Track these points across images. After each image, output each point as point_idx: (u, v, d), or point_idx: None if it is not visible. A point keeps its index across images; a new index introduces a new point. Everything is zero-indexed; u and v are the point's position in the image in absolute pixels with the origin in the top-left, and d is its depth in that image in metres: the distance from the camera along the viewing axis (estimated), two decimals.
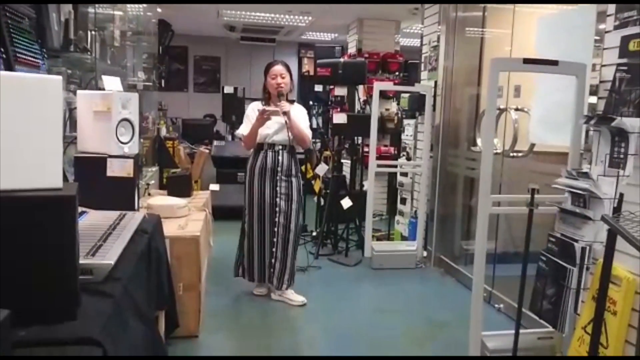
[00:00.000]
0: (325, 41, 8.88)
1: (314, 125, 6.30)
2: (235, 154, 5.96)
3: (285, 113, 3.29)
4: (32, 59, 2.15)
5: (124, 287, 1.51)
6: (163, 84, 7.26)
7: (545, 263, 2.42)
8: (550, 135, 3.05)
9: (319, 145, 6.09)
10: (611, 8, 2.35)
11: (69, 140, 2.45)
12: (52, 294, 1.22)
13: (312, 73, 8.15)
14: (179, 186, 3.61)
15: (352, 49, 6.97)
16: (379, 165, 4.62)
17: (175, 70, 9.31)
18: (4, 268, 1.16)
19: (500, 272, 3.63)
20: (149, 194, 3.62)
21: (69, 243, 1.23)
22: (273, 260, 3.47)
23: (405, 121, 5.15)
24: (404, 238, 5.03)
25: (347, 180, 5.08)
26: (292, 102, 3.51)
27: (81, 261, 1.34)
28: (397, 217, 5.24)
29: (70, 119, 2.60)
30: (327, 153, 5.33)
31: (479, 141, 3.76)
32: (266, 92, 3.51)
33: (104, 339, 1.17)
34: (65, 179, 1.60)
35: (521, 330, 2.44)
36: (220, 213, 4.67)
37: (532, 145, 3.32)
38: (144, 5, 4.86)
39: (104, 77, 2.56)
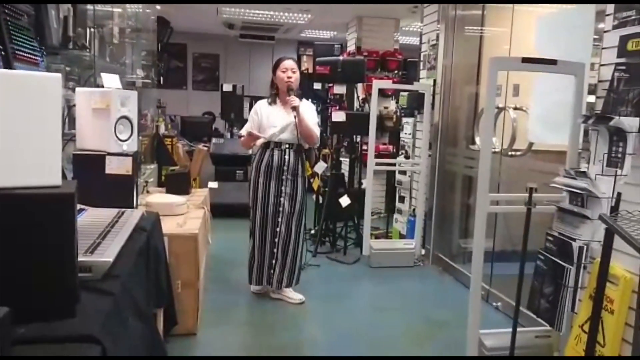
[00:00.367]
0: (324, 39, 8.87)
1: None
2: (233, 151, 5.97)
3: (295, 108, 3.27)
4: (31, 56, 2.15)
5: (122, 284, 1.51)
6: (162, 82, 7.25)
7: (543, 262, 2.43)
8: (548, 134, 3.05)
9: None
10: (610, 8, 2.35)
11: (68, 138, 2.45)
12: (51, 291, 1.22)
13: (311, 71, 8.14)
14: (178, 184, 3.61)
15: (351, 47, 6.97)
16: (377, 164, 4.63)
17: (174, 68, 9.30)
18: (3, 266, 1.16)
19: (498, 270, 3.64)
20: (148, 192, 3.62)
21: (68, 241, 1.23)
22: (273, 262, 3.45)
23: (404, 119, 5.15)
24: (402, 236, 5.03)
25: (346, 179, 5.09)
26: (300, 97, 3.43)
27: (80, 259, 1.34)
28: (396, 215, 5.24)
29: (69, 117, 2.59)
30: (326, 151, 5.33)
31: (477, 140, 3.77)
32: (274, 88, 3.48)
33: (103, 337, 1.17)
34: (64, 176, 1.60)
35: (519, 329, 2.45)
36: (219, 211, 4.67)
37: (531, 144, 3.32)
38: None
39: (102, 75, 2.55)
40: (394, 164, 5.12)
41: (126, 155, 2.36)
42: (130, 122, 2.41)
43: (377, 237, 5.09)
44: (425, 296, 3.90)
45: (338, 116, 4.72)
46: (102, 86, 2.49)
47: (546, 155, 3.42)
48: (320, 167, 4.73)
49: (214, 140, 6.43)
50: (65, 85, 2.72)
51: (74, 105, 2.44)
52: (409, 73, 7.11)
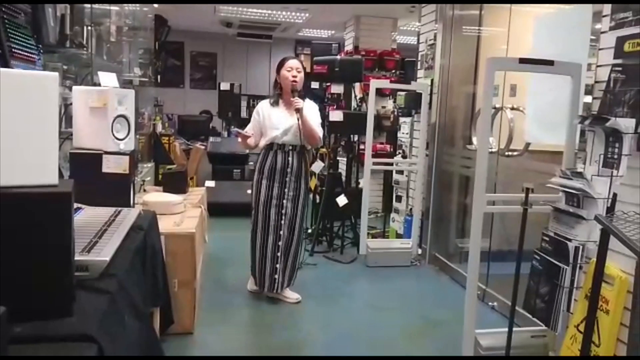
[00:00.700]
0: (322, 38, 8.87)
1: None
2: (231, 150, 5.96)
3: (299, 110, 3.26)
4: (28, 54, 2.15)
5: (119, 283, 1.51)
6: (159, 80, 7.24)
7: (539, 262, 2.44)
8: (545, 134, 3.06)
9: None
10: (607, 9, 2.36)
11: (65, 137, 2.44)
12: (47, 290, 1.22)
13: (308, 70, 8.14)
14: (175, 183, 3.61)
15: (349, 47, 6.97)
16: (374, 163, 4.63)
17: (171, 66, 9.27)
18: None
19: (495, 270, 3.65)
20: (145, 191, 3.62)
21: (65, 239, 1.23)
22: (278, 266, 3.39)
23: (402, 119, 5.16)
24: (399, 236, 5.04)
25: (343, 178, 5.09)
26: (303, 98, 3.39)
27: (77, 257, 1.34)
28: (393, 215, 5.25)
29: (66, 115, 2.59)
30: (323, 150, 5.34)
31: (474, 140, 3.78)
32: (278, 87, 3.44)
33: (99, 336, 1.17)
34: (60, 175, 1.60)
35: (514, 329, 2.46)
36: (216, 209, 4.67)
37: (527, 144, 3.33)
38: None
39: (100, 73, 2.55)
40: (391, 164, 5.12)
41: (123, 154, 2.36)
42: (128, 120, 2.41)
43: (374, 236, 5.09)
44: (421, 296, 3.91)
45: (335, 116, 4.72)
46: (100, 85, 2.49)
47: (543, 156, 3.43)
48: (318, 166, 4.73)
49: (211, 139, 6.42)
50: (62, 84, 2.71)
51: (71, 104, 2.43)
52: (407, 73, 7.11)
